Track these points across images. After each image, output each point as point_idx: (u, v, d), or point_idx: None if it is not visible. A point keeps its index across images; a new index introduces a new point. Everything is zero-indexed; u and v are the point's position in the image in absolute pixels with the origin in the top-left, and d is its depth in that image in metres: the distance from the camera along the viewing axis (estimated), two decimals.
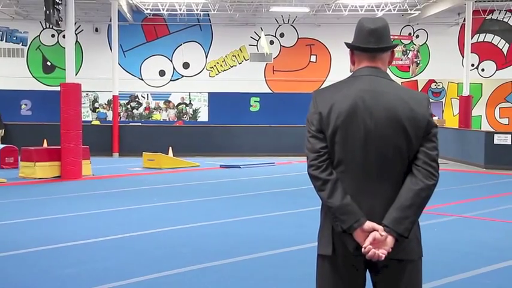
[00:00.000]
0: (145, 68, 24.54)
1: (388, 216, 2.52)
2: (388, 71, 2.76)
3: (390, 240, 2.49)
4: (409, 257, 2.60)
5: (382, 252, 2.47)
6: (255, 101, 24.45)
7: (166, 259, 6.25)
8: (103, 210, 9.29)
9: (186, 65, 24.64)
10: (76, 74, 14.89)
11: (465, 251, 6.80)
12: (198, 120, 24.58)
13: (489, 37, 24.78)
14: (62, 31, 19.89)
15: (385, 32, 2.67)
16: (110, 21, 20.91)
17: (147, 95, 24.76)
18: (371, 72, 2.66)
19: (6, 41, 24.18)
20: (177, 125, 23.17)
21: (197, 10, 22.38)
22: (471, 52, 20.99)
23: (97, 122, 23.32)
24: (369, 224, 2.50)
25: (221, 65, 24.70)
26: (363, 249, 2.48)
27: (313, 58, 24.91)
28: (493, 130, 21.98)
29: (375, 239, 2.47)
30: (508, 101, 24.86)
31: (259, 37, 23.68)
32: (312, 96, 2.70)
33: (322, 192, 2.56)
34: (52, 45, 24.18)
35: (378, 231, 2.49)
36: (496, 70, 24.88)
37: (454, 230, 8.03)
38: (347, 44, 2.74)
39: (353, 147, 2.56)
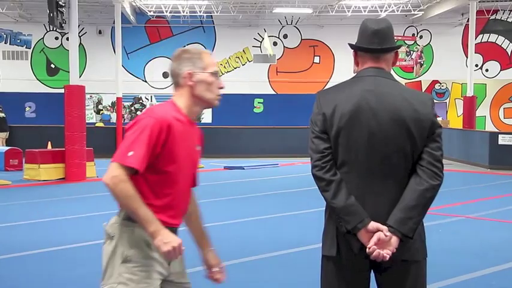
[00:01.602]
0: (149, 69, 24.58)
1: (392, 216, 2.52)
2: (392, 72, 2.75)
3: (395, 240, 2.49)
4: (413, 258, 2.59)
5: (386, 253, 2.47)
6: (258, 103, 24.46)
7: None
8: (107, 211, 9.24)
9: None
10: (80, 76, 14.91)
11: (470, 251, 6.78)
12: (201, 122, 24.59)
13: (493, 37, 24.73)
14: (66, 33, 19.98)
15: (388, 32, 2.67)
16: (113, 23, 20.95)
17: (151, 96, 24.79)
18: (375, 73, 2.65)
19: (10, 44, 24.25)
20: None
21: (200, 12, 22.41)
22: (475, 52, 20.94)
23: (101, 124, 23.35)
24: (373, 225, 2.50)
25: (224, 67, 24.72)
26: (367, 249, 2.48)
27: (316, 59, 24.91)
28: (497, 130, 21.92)
29: (379, 240, 2.47)
30: None
31: (263, 38, 23.67)
32: (315, 97, 2.70)
33: (326, 193, 2.56)
34: (56, 48, 24.24)
35: (382, 231, 2.49)
36: (500, 70, 24.83)
37: (459, 230, 8.01)
38: (351, 45, 2.73)
39: (357, 148, 2.56)
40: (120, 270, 2.54)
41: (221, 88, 2.76)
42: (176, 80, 2.74)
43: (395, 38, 2.77)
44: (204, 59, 2.70)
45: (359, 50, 2.70)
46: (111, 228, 2.61)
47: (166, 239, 2.45)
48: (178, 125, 2.62)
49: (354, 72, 2.77)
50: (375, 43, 2.64)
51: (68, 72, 14.56)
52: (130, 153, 2.50)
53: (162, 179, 2.58)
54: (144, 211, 2.45)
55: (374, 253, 2.46)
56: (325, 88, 2.78)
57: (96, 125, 22.98)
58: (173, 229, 2.63)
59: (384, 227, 2.50)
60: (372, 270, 2.65)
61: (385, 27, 2.65)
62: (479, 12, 21.48)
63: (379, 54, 2.66)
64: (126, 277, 2.54)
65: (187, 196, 2.76)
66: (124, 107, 23.33)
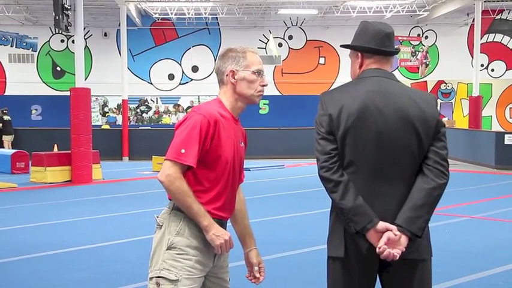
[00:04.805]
0: (155, 72, 24.63)
1: (401, 215, 2.52)
2: (398, 73, 2.77)
3: (404, 239, 2.50)
4: (421, 257, 2.60)
5: (396, 252, 2.47)
6: (264, 104, 24.46)
7: None
8: (113, 214, 9.32)
9: (195, 69, 24.71)
10: (85, 79, 14.97)
11: (476, 252, 6.77)
12: None
13: (499, 37, 24.67)
14: (71, 36, 20.04)
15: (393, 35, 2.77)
16: (119, 25, 21.00)
17: (157, 98, 24.84)
18: (378, 74, 2.67)
19: (16, 47, 24.36)
20: None
21: (205, 14, 22.44)
22: (480, 52, 20.89)
23: (107, 126, 23.41)
24: (382, 224, 2.50)
25: None
26: (377, 249, 2.48)
27: (321, 60, 24.90)
28: (503, 130, 21.86)
29: (389, 239, 2.47)
30: None
31: (268, 40, 23.69)
32: (319, 98, 2.70)
33: (334, 194, 2.56)
34: (62, 51, 24.33)
35: (391, 231, 2.49)
36: (506, 70, 24.77)
37: (465, 231, 8.00)
38: (367, 48, 2.68)
39: (364, 148, 2.56)
40: (165, 257, 2.64)
41: (264, 86, 2.83)
42: (220, 77, 2.81)
43: (400, 38, 2.80)
44: (248, 58, 2.77)
45: (376, 53, 2.68)
46: (160, 218, 2.74)
47: (218, 233, 2.61)
48: (223, 121, 2.71)
49: (351, 75, 2.78)
50: (389, 46, 2.68)
51: (74, 74, 14.60)
52: (183, 151, 2.58)
53: (209, 172, 2.67)
54: (197, 206, 2.59)
55: (384, 252, 2.46)
56: (329, 89, 2.78)
57: (102, 127, 23.04)
58: (220, 221, 2.72)
59: (393, 227, 2.50)
60: (378, 270, 2.65)
61: (393, 30, 2.72)
62: (484, 12, 21.42)
63: (389, 56, 2.71)
64: (170, 263, 2.63)
65: (233, 190, 2.84)
66: (130, 109, 23.38)
